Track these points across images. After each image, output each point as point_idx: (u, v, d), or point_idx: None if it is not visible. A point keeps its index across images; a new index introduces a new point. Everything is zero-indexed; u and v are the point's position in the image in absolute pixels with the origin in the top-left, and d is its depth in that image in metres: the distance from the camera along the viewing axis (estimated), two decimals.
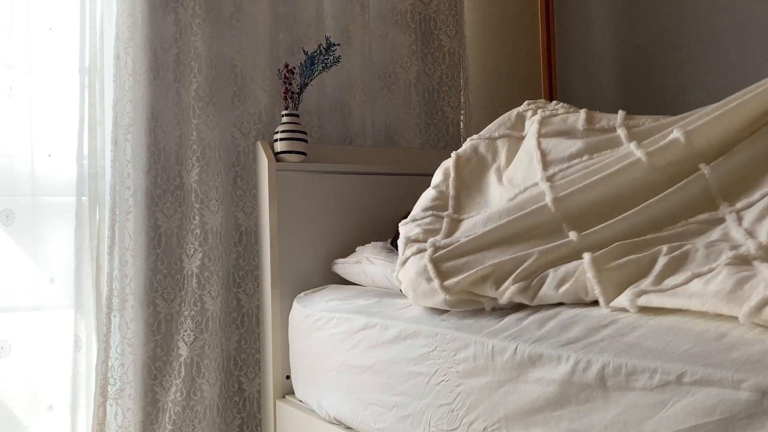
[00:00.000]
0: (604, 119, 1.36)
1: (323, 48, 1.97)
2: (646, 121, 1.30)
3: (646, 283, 0.87)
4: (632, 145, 1.18)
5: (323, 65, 1.98)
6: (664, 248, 0.94)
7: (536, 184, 1.23)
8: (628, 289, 0.88)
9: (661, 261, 0.91)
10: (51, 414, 1.86)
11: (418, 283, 1.15)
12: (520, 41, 2.67)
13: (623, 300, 0.88)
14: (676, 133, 1.13)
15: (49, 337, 1.87)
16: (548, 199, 1.16)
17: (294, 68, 1.98)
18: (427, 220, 1.31)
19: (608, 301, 0.91)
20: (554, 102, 1.51)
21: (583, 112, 1.39)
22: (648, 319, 0.84)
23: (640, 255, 0.95)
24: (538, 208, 1.15)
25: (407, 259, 1.21)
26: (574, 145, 1.26)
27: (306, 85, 1.98)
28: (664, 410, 0.74)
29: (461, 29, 2.46)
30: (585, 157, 1.22)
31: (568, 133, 1.33)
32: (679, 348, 0.76)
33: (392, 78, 2.33)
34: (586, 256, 0.98)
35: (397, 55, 2.33)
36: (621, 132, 1.25)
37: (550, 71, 2.59)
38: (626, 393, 0.79)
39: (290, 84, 1.96)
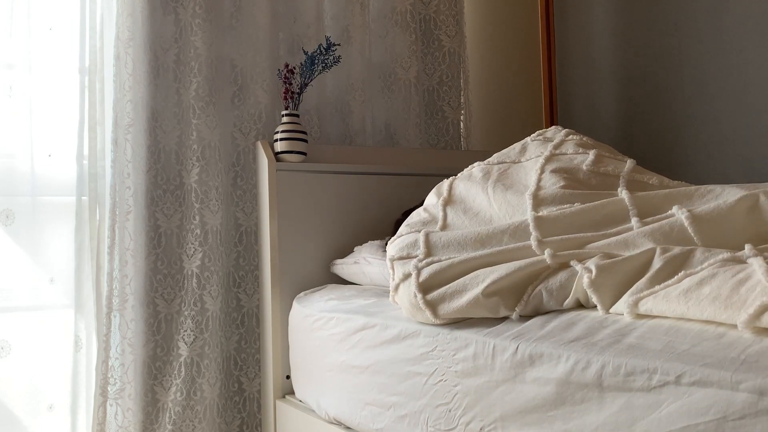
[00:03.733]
0: (611, 165, 1.31)
1: (323, 48, 1.97)
2: (651, 179, 1.27)
3: (642, 287, 0.87)
4: (633, 222, 1.10)
5: (323, 65, 1.98)
6: (658, 249, 0.93)
7: (524, 222, 1.17)
8: (626, 294, 0.88)
9: (656, 263, 0.90)
10: (51, 414, 1.87)
11: (413, 314, 1.19)
12: (520, 42, 2.67)
13: (622, 307, 0.88)
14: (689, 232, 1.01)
15: (49, 337, 1.87)
16: (533, 242, 1.12)
17: (294, 68, 1.98)
18: (411, 237, 1.31)
19: (606, 308, 0.91)
20: (565, 131, 1.45)
21: (592, 154, 1.33)
22: (648, 320, 0.84)
23: (632, 256, 0.95)
24: (523, 246, 1.13)
25: (398, 285, 1.22)
26: (574, 201, 1.19)
27: (306, 85, 1.98)
28: (658, 411, 0.74)
29: (461, 29, 2.46)
30: (576, 204, 1.16)
31: (570, 172, 1.28)
32: (678, 348, 0.76)
33: (392, 78, 2.33)
34: (577, 265, 0.98)
35: (397, 55, 2.33)
36: (623, 193, 1.17)
37: (550, 71, 2.59)
38: (622, 394, 0.79)
39: (290, 84, 1.96)
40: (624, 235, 1.05)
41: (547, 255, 1.03)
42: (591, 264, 0.96)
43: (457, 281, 1.11)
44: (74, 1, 1.92)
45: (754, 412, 0.65)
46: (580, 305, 0.98)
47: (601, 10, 2.40)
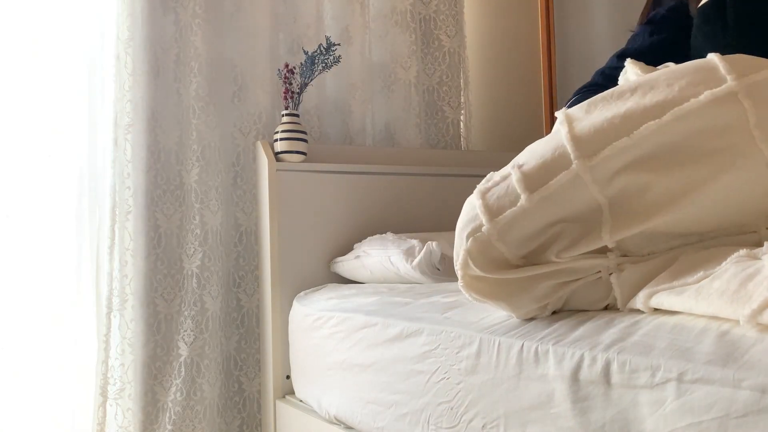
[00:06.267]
0: None
1: (323, 48, 1.97)
2: None
3: (660, 281, 0.87)
4: None
5: (323, 65, 1.98)
6: (687, 249, 0.93)
7: None
8: (644, 289, 0.88)
9: (680, 261, 0.90)
10: (51, 413, 1.86)
11: (461, 231, 0.95)
12: (520, 41, 2.67)
13: (637, 301, 0.88)
14: None
15: (49, 337, 1.87)
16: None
17: (294, 68, 1.98)
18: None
19: (625, 303, 0.91)
20: None
21: None
22: (653, 318, 0.84)
23: (659, 256, 0.94)
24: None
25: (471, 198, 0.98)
26: None
27: (306, 85, 1.99)
28: (663, 408, 0.74)
29: (461, 29, 2.46)
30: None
31: None
32: (681, 345, 0.76)
33: (392, 78, 2.34)
34: (612, 257, 0.95)
35: (397, 55, 2.33)
36: None
37: (550, 71, 2.59)
38: (628, 391, 0.79)
39: (290, 84, 1.96)
40: None
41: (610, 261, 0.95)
42: (625, 264, 0.95)
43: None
44: (74, 1, 1.92)
45: (756, 410, 0.65)
46: (605, 306, 0.97)
47: (601, 10, 2.40)
